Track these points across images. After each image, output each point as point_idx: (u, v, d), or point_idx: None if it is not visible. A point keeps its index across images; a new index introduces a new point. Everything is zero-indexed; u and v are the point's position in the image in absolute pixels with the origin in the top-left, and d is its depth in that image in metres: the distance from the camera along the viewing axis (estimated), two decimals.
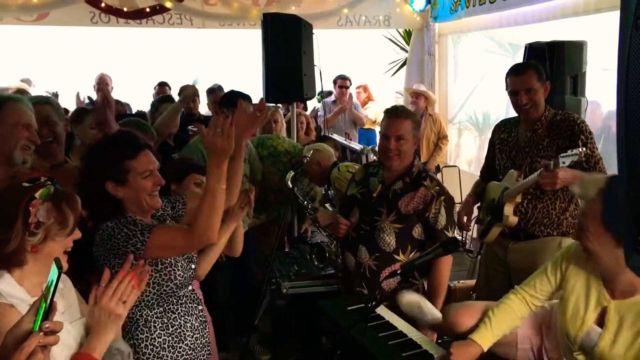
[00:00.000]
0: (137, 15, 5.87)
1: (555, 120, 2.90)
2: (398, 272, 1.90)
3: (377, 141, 3.19)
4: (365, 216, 2.73)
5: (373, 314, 2.22)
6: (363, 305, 2.27)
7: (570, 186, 2.53)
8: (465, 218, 3.22)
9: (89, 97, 5.38)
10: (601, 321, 1.92)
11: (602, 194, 1.79)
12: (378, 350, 1.99)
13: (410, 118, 2.71)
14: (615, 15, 0.75)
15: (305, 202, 3.67)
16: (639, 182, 0.67)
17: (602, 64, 4.35)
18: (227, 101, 3.63)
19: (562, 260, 2.08)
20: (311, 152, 3.80)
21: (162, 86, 6.36)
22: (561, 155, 2.56)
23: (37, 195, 1.49)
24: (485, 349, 2.08)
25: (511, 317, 2.17)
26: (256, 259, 3.93)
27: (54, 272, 1.31)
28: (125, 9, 5.84)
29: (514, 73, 2.94)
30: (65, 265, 1.49)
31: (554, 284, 2.11)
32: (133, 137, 2.07)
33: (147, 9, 5.87)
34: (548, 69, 3.63)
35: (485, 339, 2.09)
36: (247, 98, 3.66)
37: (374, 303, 1.98)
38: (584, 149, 2.56)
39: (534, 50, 3.87)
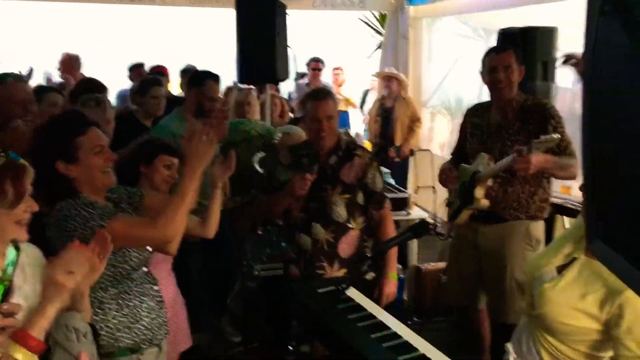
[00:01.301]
0: None
1: (527, 105, 2.94)
2: (370, 256, 1.92)
3: (350, 123, 3.25)
4: (310, 195, 2.79)
5: (343, 296, 2.23)
6: (334, 288, 2.28)
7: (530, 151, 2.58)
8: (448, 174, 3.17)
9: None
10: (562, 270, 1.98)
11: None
12: (349, 332, 2.01)
13: (332, 97, 2.95)
14: (583, 2, 0.75)
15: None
16: (599, 169, 0.68)
17: (569, 50, 4.41)
18: (195, 81, 3.61)
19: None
20: (280, 134, 3.78)
21: (139, 67, 6.17)
22: (536, 140, 2.60)
23: None
24: None
25: None
26: (231, 239, 3.91)
27: (11, 253, 1.29)
28: None
29: (494, 51, 3.02)
30: (23, 236, 1.48)
31: None
32: (80, 114, 2.08)
33: None
34: (521, 55, 3.66)
35: None
36: (215, 77, 3.63)
37: (344, 286, 1.99)
38: (558, 135, 2.61)
39: (506, 36, 3.89)
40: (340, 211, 2.84)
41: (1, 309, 1.19)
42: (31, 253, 1.58)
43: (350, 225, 2.86)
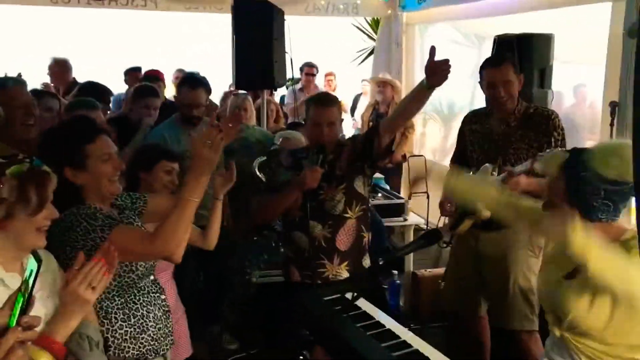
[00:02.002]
0: None
1: (529, 113, 2.95)
2: (381, 262, 1.91)
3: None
4: (308, 195, 2.79)
5: (350, 304, 2.22)
6: (339, 295, 2.27)
7: (535, 164, 2.56)
8: (448, 205, 3.19)
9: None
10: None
11: (564, 170, 1.80)
12: (357, 341, 2.00)
13: (336, 104, 2.92)
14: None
15: None
16: None
17: (562, 57, 4.45)
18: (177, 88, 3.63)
19: None
20: (280, 139, 3.77)
21: (135, 71, 6.10)
22: (540, 154, 2.58)
23: (7, 172, 1.45)
24: None
25: None
26: (226, 247, 3.89)
27: (31, 264, 1.26)
28: None
29: (491, 65, 2.97)
30: (42, 243, 1.50)
31: None
32: (89, 121, 2.05)
33: None
34: (517, 62, 3.68)
35: None
36: (191, 83, 3.61)
37: (355, 295, 1.98)
38: (564, 153, 2.61)
39: (503, 43, 3.90)
40: (339, 204, 2.84)
41: (22, 322, 1.17)
42: (47, 260, 1.56)
43: (347, 216, 2.85)
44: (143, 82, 4.80)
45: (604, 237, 1.70)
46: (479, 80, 3.06)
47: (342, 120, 3.06)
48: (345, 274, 2.88)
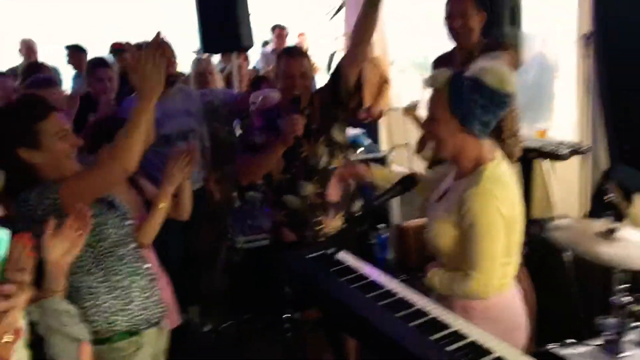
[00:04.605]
0: None
1: (487, 46, 2.93)
2: (358, 214, 1.90)
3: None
4: (289, 155, 2.73)
5: (333, 260, 2.20)
6: (323, 252, 2.25)
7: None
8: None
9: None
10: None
11: (449, 83, 1.88)
12: (344, 294, 1.98)
13: (307, 56, 2.84)
14: None
15: None
16: (620, 98, 0.63)
17: None
18: None
19: None
20: (260, 98, 3.67)
21: (77, 51, 5.89)
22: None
23: None
24: None
25: None
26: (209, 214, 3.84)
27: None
28: None
29: None
30: None
31: None
32: (39, 98, 2.01)
33: None
34: (487, 2, 3.61)
35: None
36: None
37: (332, 250, 1.97)
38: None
39: None
40: (322, 158, 2.79)
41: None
42: None
43: (332, 167, 2.81)
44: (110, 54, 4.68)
45: (471, 158, 1.93)
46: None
47: (313, 77, 2.98)
48: (341, 225, 2.86)
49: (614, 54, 0.79)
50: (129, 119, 1.81)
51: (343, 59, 2.80)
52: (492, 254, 1.87)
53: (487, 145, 1.96)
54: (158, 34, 1.91)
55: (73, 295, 1.87)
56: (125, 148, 1.79)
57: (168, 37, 3.86)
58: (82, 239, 1.54)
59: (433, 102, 1.96)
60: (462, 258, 1.92)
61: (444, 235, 1.97)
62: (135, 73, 1.76)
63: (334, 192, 2.80)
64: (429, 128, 2.01)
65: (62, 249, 1.55)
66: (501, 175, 1.93)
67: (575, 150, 3.72)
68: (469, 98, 1.85)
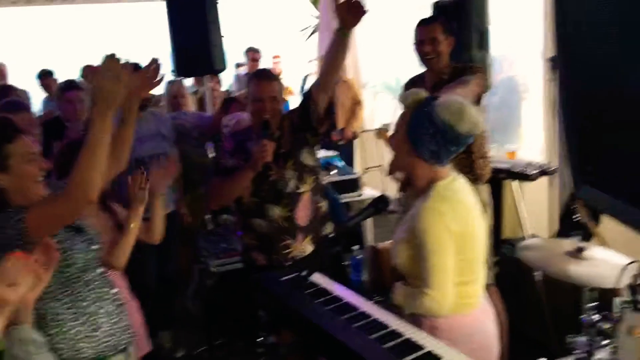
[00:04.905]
0: None
1: (459, 68, 3.00)
2: (331, 236, 1.90)
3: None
4: (258, 180, 2.72)
5: (307, 282, 2.20)
6: (297, 274, 2.24)
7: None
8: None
9: None
10: None
11: (415, 108, 1.93)
12: (317, 316, 1.97)
13: (277, 79, 2.84)
14: None
15: None
16: (582, 119, 0.66)
17: (500, 18, 4.50)
18: None
19: None
20: (233, 121, 3.67)
21: (46, 76, 5.86)
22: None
23: None
24: None
25: None
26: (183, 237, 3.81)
27: None
28: None
29: (421, 24, 3.07)
30: None
31: None
32: (7, 121, 1.98)
33: None
34: (456, 27, 3.69)
35: None
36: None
37: (305, 272, 1.96)
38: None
39: (440, 7, 3.92)
40: (290, 181, 2.76)
41: None
42: None
43: (300, 191, 2.79)
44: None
45: (423, 177, 1.96)
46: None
47: (285, 99, 3.00)
48: (310, 249, 2.82)
49: (575, 76, 0.83)
50: (84, 144, 1.72)
51: (313, 85, 2.79)
52: (442, 270, 1.87)
53: (442, 167, 1.98)
54: (154, 60, 1.91)
55: (39, 322, 1.84)
56: (82, 177, 1.70)
57: (141, 60, 3.86)
58: (48, 275, 1.47)
59: (399, 119, 2.00)
60: (419, 276, 1.93)
61: (402, 254, 1.99)
62: (91, 83, 1.72)
63: (303, 216, 2.79)
64: (391, 140, 2.04)
65: (27, 284, 1.46)
66: (454, 193, 1.95)
67: (544, 171, 3.79)
68: (421, 126, 1.89)
